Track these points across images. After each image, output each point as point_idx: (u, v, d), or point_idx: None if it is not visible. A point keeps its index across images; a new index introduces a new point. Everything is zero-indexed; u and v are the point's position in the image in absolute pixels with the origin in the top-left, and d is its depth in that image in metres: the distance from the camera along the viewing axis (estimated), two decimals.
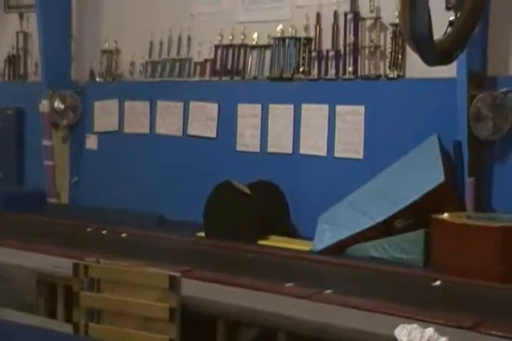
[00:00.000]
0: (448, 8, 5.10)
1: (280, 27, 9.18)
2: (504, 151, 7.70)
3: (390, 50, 8.40)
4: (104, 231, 8.80)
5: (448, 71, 7.56)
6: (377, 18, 8.51)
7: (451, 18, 5.07)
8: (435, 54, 5.05)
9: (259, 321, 5.57)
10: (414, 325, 4.79)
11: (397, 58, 8.32)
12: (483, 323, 5.13)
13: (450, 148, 7.83)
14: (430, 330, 4.71)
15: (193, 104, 9.94)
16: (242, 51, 9.58)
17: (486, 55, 7.72)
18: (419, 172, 7.53)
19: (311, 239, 8.07)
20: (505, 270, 6.56)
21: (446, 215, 7.18)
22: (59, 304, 6.59)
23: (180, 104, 10.03)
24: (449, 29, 5.07)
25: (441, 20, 5.50)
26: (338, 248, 7.70)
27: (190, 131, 9.95)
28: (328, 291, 6.03)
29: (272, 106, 9.30)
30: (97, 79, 10.94)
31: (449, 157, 7.77)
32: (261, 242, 8.27)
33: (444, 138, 7.79)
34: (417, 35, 4.79)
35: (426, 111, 8.06)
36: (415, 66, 7.59)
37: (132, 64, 10.63)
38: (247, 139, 9.45)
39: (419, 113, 8.12)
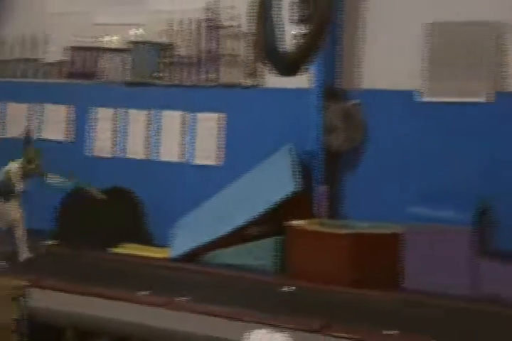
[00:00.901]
0: (296, 22, 5.37)
1: (138, 31, 9.24)
2: (355, 161, 8.20)
3: (249, 58, 8.68)
4: None
5: (304, 82, 7.97)
6: (236, 27, 8.78)
7: (298, 31, 5.34)
8: (284, 65, 5.30)
9: (112, 330, 5.61)
10: (265, 330, 5.01)
11: (256, 67, 8.61)
12: (330, 326, 5.48)
13: (304, 157, 8.21)
14: (280, 334, 4.95)
15: (46, 106, 9.77)
16: (98, 54, 9.55)
17: (339, 68, 8.19)
18: (272, 181, 7.86)
19: (168, 246, 8.18)
20: (356, 275, 6.98)
21: (299, 222, 7.53)
22: None
23: (33, 106, 9.83)
24: (298, 42, 5.34)
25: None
26: (195, 255, 7.88)
27: (43, 135, 9.77)
28: (183, 299, 6.16)
29: (129, 111, 9.34)
30: None
31: (304, 166, 8.15)
32: (116, 250, 8.28)
33: (300, 146, 8.16)
34: (267, 46, 5.02)
35: (283, 120, 8.42)
36: (273, 76, 7.91)
37: None
38: (103, 144, 9.42)
39: (277, 122, 8.47)
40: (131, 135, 9.34)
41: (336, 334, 5.32)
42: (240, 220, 7.76)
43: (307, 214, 7.83)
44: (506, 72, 7.54)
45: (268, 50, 5.03)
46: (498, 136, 7.52)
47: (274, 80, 8.16)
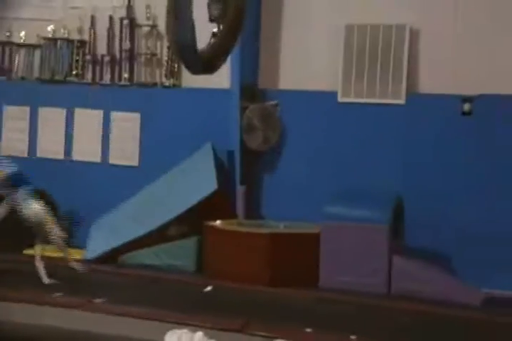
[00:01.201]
0: (211, 21, 5.42)
1: (51, 27, 9.11)
2: (273, 161, 8.36)
3: (166, 58, 8.71)
4: None
5: (224, 82, 8.07)
6: (153, 26, 8.79)
7: (215, 29, 5.40)
8: (198, 63, 5.35)
9: (27, 334, 5.54)
10: (185, 330, 5.07)
11: (174, 67, 8.65)
12: (249, 325, 5.59)
13: (224, 157, 8.31)
14: (199, 334, 5.02)
15: None
16: (10, 49, 9.35)
17: (257, 69, 8.34)
18: (193, 181, 7.91)
19: (84, 247, 8.11)
20: (273, 274, 7.13)
21: (217, 222, 7.62)
22: None
23: None
24: (212, 40, 5.40)
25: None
26: (112, 256, 7.84)
27: None
28: (100, 300, 6.15)
29: (42, 110, 9.20)
30: None
31: (223, 166, 8.25)
32: (27, 252, 8.14)
33: (218, 146, 8.25)
34: (180, 44, 5.06)
35: (202, 120, 8.49)
36: (192, 75, 7.97)
37: None
38: (14, 143, 9.24)
39: (196, 121, 8.53)
40: (44, 134, 9.20)
41: (256, 332, 5.44)
42: (159, 220, 7.78)
43: (227, 213, 7.92)
44: (418, 74, 7.88)
45: (181, 48, 5.08)
46: (410, 137, 7.83)
47: (193, 80, 8.21)
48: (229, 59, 5.83)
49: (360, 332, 5.63)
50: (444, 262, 7.42)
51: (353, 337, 5.49)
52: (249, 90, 8.25)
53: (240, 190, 8.20)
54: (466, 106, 7.66)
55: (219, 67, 5.47)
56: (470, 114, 7.64)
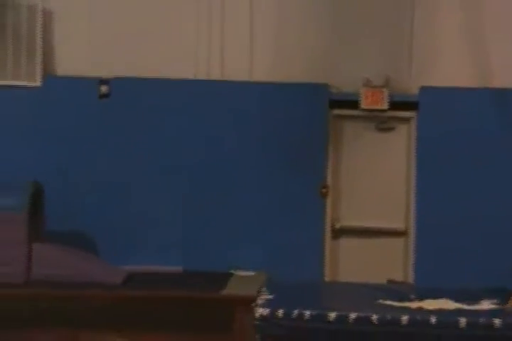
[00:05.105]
0: None
1: None
2: None
3: None
4: None
5: None
6: None
7: None
8: None
9: None
10: None
11: None
12: None
13: None
14: None
15: None
16: None
17: None
18: None
19: None
20: None
21: None
22: None
23: None
24: None
25: None
26: None
27: None
28: None
29: None
30: None
31: None
32: None
33: None
34: None
35: None
36: None
37: None
38: None
39: None
40: None
41: None
42: None
43: None
44: (55, 56, 8.13)
45: None
46: (48, 120, 7.99)
47: None
48: None
49: None
50: (88, 245, 7.83)
51: None
52: None
53: None
54: (103, 89, 8.12)
55: None
56: (107, 97, 8.10)
